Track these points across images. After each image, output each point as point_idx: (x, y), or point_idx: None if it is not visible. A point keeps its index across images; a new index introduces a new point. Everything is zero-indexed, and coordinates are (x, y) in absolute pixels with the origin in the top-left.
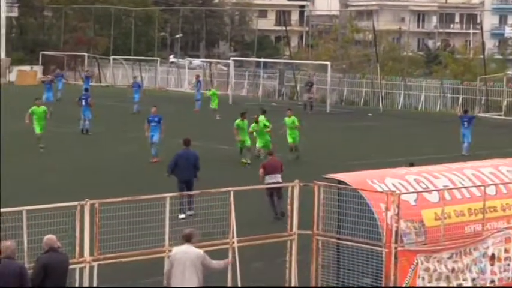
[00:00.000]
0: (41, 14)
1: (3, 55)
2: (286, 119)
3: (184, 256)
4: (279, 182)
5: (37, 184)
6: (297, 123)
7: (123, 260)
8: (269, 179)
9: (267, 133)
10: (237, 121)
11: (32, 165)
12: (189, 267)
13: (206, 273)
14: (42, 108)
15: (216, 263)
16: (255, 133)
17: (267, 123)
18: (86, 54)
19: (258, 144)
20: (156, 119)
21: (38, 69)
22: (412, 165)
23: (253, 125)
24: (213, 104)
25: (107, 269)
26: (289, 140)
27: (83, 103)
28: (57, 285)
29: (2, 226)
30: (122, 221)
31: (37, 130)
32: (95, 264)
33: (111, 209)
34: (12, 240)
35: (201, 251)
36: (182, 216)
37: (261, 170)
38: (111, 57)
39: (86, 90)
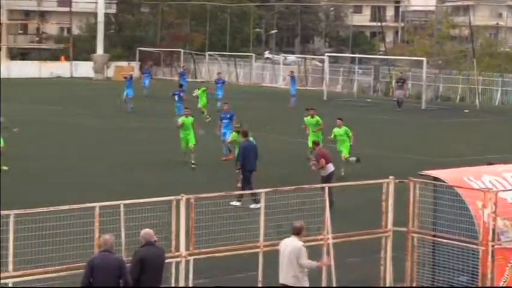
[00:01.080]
0: (138, 10)
1: (101, 51)
2: (309, 118)
3: (284, 248)
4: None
5: (131, 178)
6: (321, 123)
7: (218, 254)
8: (331, 167)
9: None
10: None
11: (124, 159)
12: (287, 260)
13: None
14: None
15: (307, 263)
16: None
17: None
18: (182, 50)
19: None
20: (228, 116)
21: (135, 65)
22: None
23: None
24: (202, 103)
25: (202, 263)
26: (310, 143)
27: (176, 98)
28: (153, 278)
29: (102, 220)
30: (217, 216)
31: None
32: (191, 258)
33: (206, 204)
34: (110, 234)
35: (298, 246)
36: (255, 206)
37: (323, 160)
38: (206, 53)
39: (181, 86)
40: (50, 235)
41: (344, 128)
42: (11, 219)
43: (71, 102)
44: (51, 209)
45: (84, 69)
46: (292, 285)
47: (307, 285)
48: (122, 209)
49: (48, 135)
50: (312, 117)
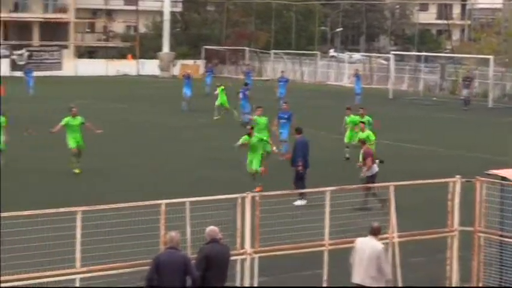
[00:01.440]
0: (204, 9)
1: (167, 50)
2: (351, 117)
3: (363, 248)
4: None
5: (197, 175)
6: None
7: (283, 252)
8: (376, 167)
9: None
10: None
11: (187, 157)
12: (367, 259)
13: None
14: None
15: (387, 270)
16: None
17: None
18: (247, 48)
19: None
20: (286, 115)
21: (201, 63)
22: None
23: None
24: (222, 101)
25: (267, 261)
26: (346, 140)
27: (241, 96)
28: (218, 276)
29: (167, 217)
30: (282, 214)
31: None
32: (256, 256)
33: (270, 202)
34: (176, 231)
35: (379, 248)
36: (299, 203)
37: (370, 159)
38: (271, 52)
39: (246, 84)
40: (117, 232)
41: (352, 117)
42: (79, 217)
43: (137, 100)
44: (117, 206)
45: (150, 67)
46: (369, 285)
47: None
48: (187, 206)
49: (115, 134)
50: (362, 116)
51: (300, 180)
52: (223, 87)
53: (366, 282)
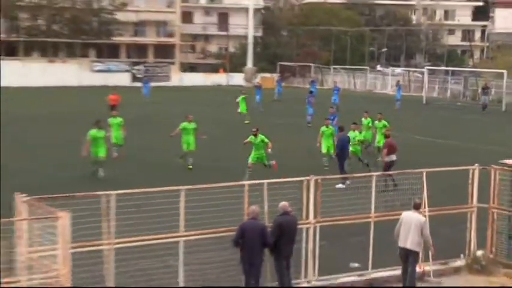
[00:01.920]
0: (279, 33)
1: (250, 65)
2: (377, 123)
3: (409, 220)
4: (395, 161)
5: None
6: (388, 126)
7: (339, 222)
8: (393, 156)
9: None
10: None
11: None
12: (413, 230)
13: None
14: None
15: (429, 235)
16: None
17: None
18: (312, 64)
19: (376, 143)
20: (332, 117)
21: (276, 76)
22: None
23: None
24: (242, 109)
25: (326, 228)
26: (376, 144)
27: (307, 101)
28: (288, 240)
29: (250, 194)
30: (337, 193)
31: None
32: (318, 225)
33: (329, 184)
34: (256, 205)
35: (423, 219)
36: (340, 186)
37: (385, 150)
38: (331, 67)
39: (311, 92)
40: (214, 205)
41: (383, 122)
42: (182, 193)
43: (225, 104)
44: (211, 186)
45: (237, 79)
46: (415, 249)
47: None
48: (265, 186)
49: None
50: (380, 121)
51: (342, 169)
52: (244, 96)
53: (413, 247)
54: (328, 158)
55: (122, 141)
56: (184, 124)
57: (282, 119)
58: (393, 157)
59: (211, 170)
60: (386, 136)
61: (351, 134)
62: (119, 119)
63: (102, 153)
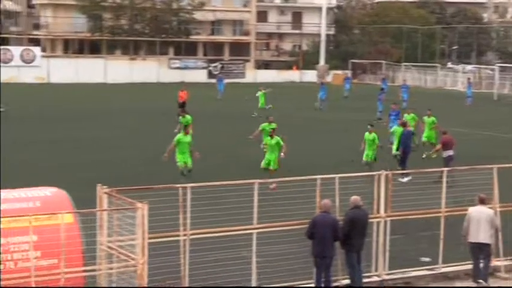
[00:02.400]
0: (351, 32)
1: (322, 62)
2: (426, 118)
3: (479, 215)
4: (452, 156)
5: (335, 158)
6: (436, 122)
7: (409, 217)
8: (449, 152)
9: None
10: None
11: (330, 143)
12: (483, 223)
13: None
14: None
15: (498, 227)
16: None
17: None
18: (384, 61)
19: (423, 138)
20: (394, 113)
21: (348, 73)
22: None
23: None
24: (261, 104)
25: (396, 223)
26: (424, 139)
27: (378, 98)
28: (359, 233)
29: (322, 188)
30: (408, 187)
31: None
32: (388, 219)
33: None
34: (328, 199)
35: (492, 212)
36: (405, 180)
37: (439, 146)
38: (402, 64)
39: (382, 89)
40: (287, 198)
41: (432, 118)
42: (256, 187)
43: (298, 99)
44: (286, 179)
45: (310, 76)
46: (489, 242)
47: None
48: (336, 180)
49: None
50: (429, 117)
51: (403, 162)
52: (263, 92)
53: (487, 240)
54: (368, 165)
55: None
56: (264, 125)
57: (351, 115)
58: (450, 152)
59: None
60: (443, 133)
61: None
62: (187, 118)
63: (189, 162)
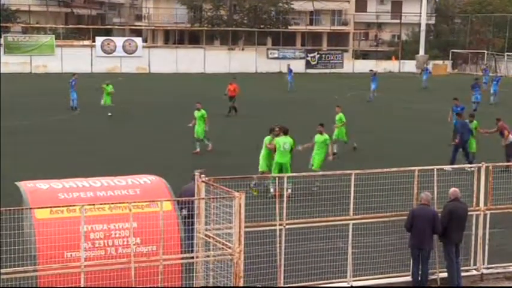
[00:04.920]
0: (452, 21)
1: (422, 53)
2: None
3: None
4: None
5: (434, 151)
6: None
7: (509, 210)
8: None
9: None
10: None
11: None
12: None
13: None
14: None
15: None
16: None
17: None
18: (486, 51)
19: None
20: (459, 108)
21: (448, 63)
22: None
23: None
24: (105, 101)
25: (497, 216)
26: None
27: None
28: (458, 226)
29: (420, 180)
30: (508, 181)
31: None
32: (488, 212)
33: (500, 171)
34: (427, 191)
35: None
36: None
37: (507, 131)
38: (505, 54)
39: (476, 79)
40: (381, 190)
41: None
42: (352, 177)
43: (397, 91)
44: (381, 170)
45: (409, 66)
46: None
47: None
48: (434, 172)
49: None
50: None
51: (466, 155)
52: (107, 86)
53: None
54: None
55: (202, 134)
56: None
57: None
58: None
59: (373, 152)
60: (498, 120)
61: (336, 117)
62: (202, 112)
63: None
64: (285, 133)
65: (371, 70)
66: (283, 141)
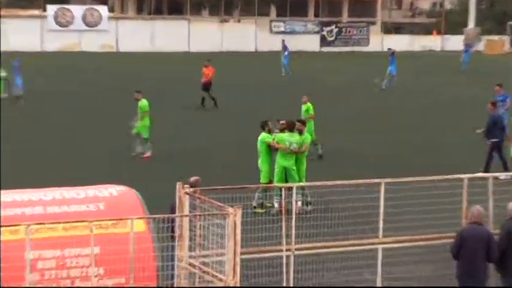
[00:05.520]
0: None
1: (472, 25)
2: None
3: None
4: None
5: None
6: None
7: None
8: None
9: None
10: None
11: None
12: None
13: None
14: None
15: None
16: None
17: None
18: None
19: None
20: (502, 98)
21: (506, 39)
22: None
23: None
24: None
25: None
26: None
27: None
28: None
29: (470, 191)
30: None
31: None
32: None
33: None
34: (478, 205)
35: None
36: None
37: None
38: None
39: None
40: (418, 204)
41: None
42: (382, 188)
43: (441, 73)
44: (418, 179)
45: (455, 42)
46: None
47: None
48: (490, 181)
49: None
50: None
51: (489, 154)
52: None
53: None
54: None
55: (144, 131)
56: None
57: None
58: None
59: (403, 157)
60: None
61: (303, 108)
62: (143, 103)
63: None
64: (291, 129)
65: (389, 49)
66: (290, 140)
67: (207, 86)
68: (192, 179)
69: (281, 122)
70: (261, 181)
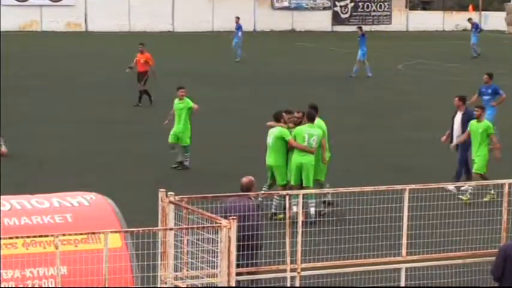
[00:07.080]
0: None
1: None
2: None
3: None
4: None
5: None
6: None
7: None
8: None
9: None
10: None
11: None
12: None
13: None
14: None
15: None
16: None
17: None
18: None
19: None
20: (484, 89)
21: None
22: None
23: None
24: None
25: None
26: None
27: None
28: None
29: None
30: None
31: None
32: None
33: None
34: None
35: None
36: None
37: None
38: None
39: None
40: (449, 215)
41: None
42: (406, 195)
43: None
44: (454, 184)
45: (495, 21)
46: None
47: None
48: (505, 187)
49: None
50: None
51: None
52: None
53: None
54: None
55: (186, 136)
56: None
57: None
58: None
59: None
60: None
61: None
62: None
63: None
64: (312, 120)
65: (359, 27)
66: (310, 133)
67: (142, 76)
68: (245, 179)
69: (296, 113)
70: (278, 184)
